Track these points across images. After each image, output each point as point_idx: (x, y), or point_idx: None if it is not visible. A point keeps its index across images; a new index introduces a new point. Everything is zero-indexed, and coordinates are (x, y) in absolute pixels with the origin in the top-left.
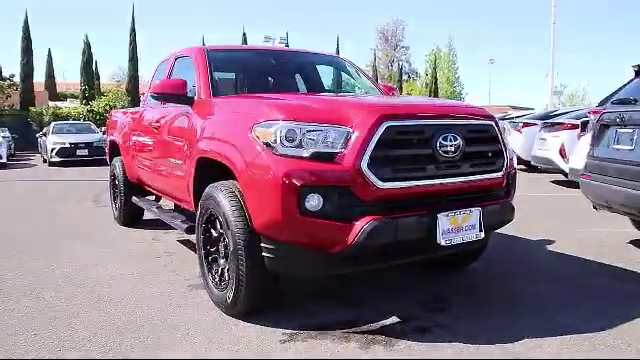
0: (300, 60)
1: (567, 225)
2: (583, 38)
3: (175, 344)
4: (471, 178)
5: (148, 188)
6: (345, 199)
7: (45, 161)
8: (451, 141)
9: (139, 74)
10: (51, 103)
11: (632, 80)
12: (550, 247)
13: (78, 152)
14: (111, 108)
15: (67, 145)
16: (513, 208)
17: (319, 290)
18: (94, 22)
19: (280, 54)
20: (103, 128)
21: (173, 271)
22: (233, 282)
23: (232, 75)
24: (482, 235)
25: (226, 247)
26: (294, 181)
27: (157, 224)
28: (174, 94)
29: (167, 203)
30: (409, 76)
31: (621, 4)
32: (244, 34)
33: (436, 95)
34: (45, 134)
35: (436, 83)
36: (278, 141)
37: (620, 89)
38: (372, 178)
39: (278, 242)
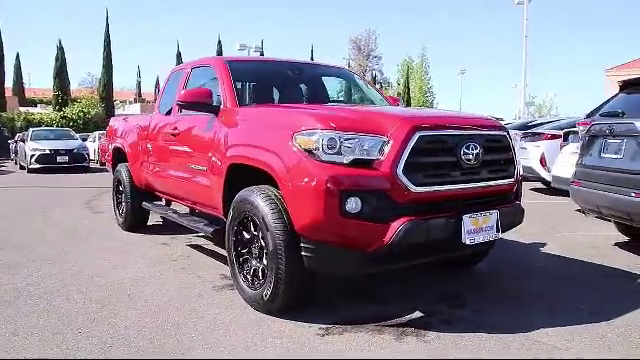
0: (312, 72)
1: (556, 229)
2: (550, 50)
3: (220, 340)
4: (489, 183)
5: (159, 194)
6: (382, 202)
7: (22, 168)
8: (472, 150)
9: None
10: (22, 109)
11: (617, 94)
12: (545, 249)
13: (59, 159)
14: (85, 114)
15: (47, 152)
16: (523, 211)
17: (344, 289)
18: (60, 27)
19: (294, 66)
20: (92, 133)
21: (193, 273)
22: (272, 280)
23: (250, 85)
24: (499, 235)
25: (261, 248)
26: (336, 186)
27: (162, 229)
28: (201, 102)
29: (178, 207)
30: (381, 85)
31: (587, 19)
32: (219, 42)
33: (408, 104)
34: (23, 140)
35: (409, 92)
36: (320, 148)
37: (606, 102)
38: (407, 183)
39: (318, 242)
